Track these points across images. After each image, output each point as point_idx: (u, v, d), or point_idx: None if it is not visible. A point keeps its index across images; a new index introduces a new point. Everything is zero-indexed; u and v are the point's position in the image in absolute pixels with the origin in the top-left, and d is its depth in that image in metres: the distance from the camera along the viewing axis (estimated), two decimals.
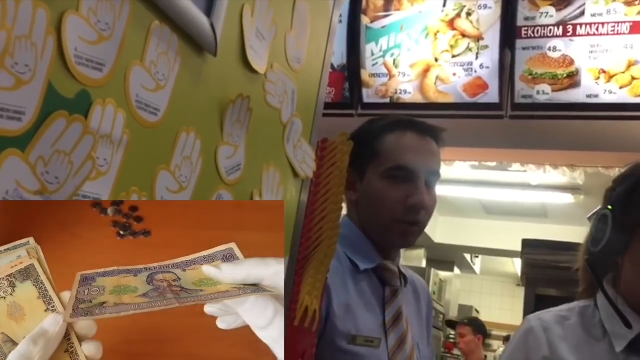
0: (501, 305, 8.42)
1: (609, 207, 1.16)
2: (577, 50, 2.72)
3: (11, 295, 0.69)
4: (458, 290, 7.53)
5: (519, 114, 2.85)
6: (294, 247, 1.06)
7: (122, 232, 0.91)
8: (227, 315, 0.74)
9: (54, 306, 0.69)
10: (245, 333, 0.73)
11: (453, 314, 6.83)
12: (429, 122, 1.33)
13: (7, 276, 0.71)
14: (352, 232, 1.29)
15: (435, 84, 2.97)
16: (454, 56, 2.94)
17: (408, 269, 1.38)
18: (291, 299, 1.02)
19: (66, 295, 0.71)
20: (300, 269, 1.07)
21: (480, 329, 5.03)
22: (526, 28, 2.81)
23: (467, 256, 7.15)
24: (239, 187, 0.88)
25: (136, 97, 0.66)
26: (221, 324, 0.74)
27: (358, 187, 1.30)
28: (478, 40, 2.90)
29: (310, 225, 1.10)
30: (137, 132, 0.66)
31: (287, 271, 1.03)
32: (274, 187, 0.97)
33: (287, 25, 0.99)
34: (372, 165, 1.27)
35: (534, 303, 2.99)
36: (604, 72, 2.68)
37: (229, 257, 0.81)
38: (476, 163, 3.89)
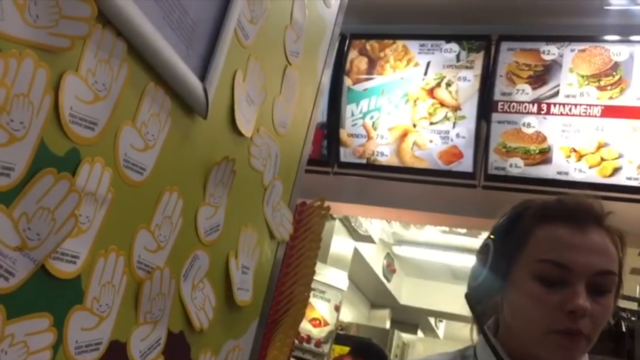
0: None
1: (491, 236, 1.00)
2: (550, 128, 2.81)
3: None
4: (420, 354, 7.44)
5: (491, 185, 2.90)
6: (265, 308, 1.06)
7: None
8: None
9: None
10: None
11: None
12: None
13: None
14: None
15: (412, 148, 3.03)
16: (431, 123, 3.00)
17: None
18: None
19: None
20: (269, 333, 1.06)
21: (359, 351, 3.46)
22: (502, 103, 2.90)
23: (432, 320, 7.12)
24: (216, 247, 0.87)
25: (124, 156, 0.66)
26: None
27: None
28: (456, 110, 2.97)
29: (282, 288, 1.09)
30: (121, 190, 0.66)
31: (256, 333, 1.02)
32: (250, 248, 0.97)
33: (276, 90, 1.01)
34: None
35: None
36: (575, 151, 2.76)
37: None
38: (447, 228, 3.93)
